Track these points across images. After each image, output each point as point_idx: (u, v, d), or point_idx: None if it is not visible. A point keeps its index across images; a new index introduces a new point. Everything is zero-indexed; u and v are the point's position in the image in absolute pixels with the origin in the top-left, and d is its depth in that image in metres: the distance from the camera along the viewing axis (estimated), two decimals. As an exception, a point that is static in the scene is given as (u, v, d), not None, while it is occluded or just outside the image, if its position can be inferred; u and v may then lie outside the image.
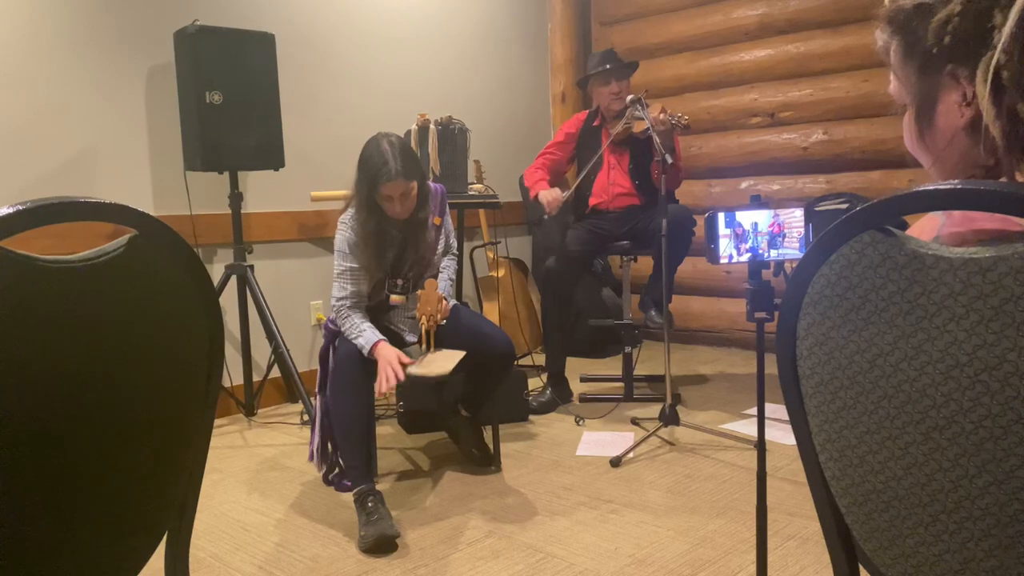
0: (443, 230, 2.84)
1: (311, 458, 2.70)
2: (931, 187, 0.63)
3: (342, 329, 2.58)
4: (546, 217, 3.76)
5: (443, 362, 2.55)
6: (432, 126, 3.62)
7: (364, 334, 2.54)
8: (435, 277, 2.79)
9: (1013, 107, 0.66)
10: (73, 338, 0.75)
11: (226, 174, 3.49)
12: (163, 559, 0.99)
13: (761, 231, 1.69)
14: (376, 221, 2.59)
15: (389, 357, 2.48)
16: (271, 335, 3.53)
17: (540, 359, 4.03)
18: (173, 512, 0.97)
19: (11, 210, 0.68)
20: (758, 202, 1.70)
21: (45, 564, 0.78)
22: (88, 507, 0.81)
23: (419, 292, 2.64)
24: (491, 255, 4.57)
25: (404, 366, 2.48)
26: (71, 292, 0.75)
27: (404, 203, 2.57)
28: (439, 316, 2.62)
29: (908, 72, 0.74)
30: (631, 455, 3.00)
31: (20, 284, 0.70)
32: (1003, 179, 0.70)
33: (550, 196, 3.63)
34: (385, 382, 2.45)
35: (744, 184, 4.69)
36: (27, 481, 0.74)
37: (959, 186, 0.62)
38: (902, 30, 0.73)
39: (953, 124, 0.73)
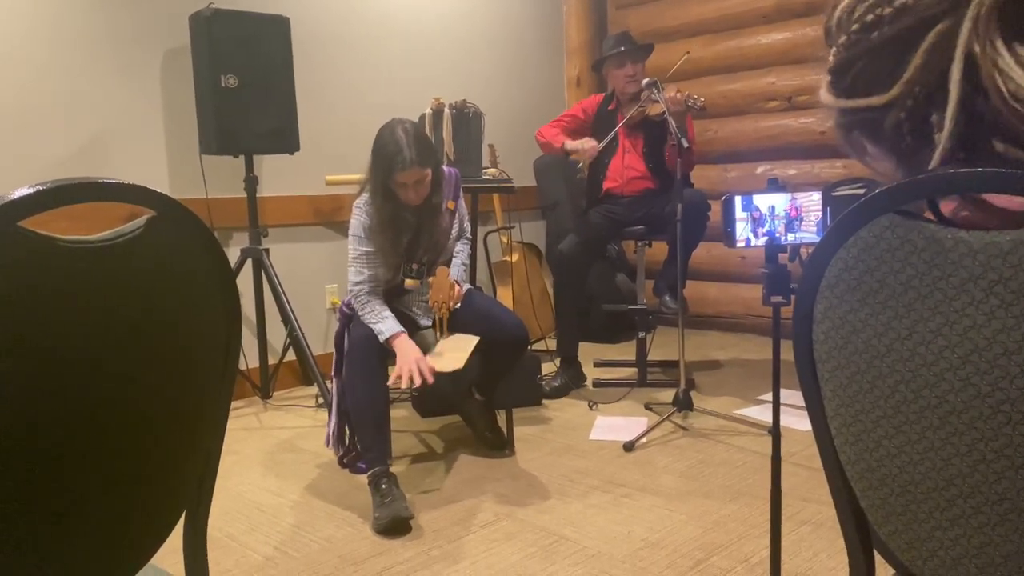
0: (457, 214, 2.84)
1: (328, 442, 2.72)
2: (951, 170, 0.63)
3: (360, 314, 2.59)
4: (580, 166, 3.64)
5: (456, 353, 2.55)
6: (446, 110, 3.61)
7: (385, 322, 2.54)
8: (449, 261, 2.80)
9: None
10: (91, 318, 0.76)
11: (241, 158, 3.51)
12: (181, 538, 1.01)
13: (778, 215, 1.68)
14: (391, 207, 2.59)
15: (414, 356, 2.48)
16: (286, 318, 3.55)
17: (553, 344, 4.03)
18: (191, 492, 0.98)
19: (31, 190, 0.69)
20: (775, 185, 1.69)
21: (63, 543, 0.79)
22: (106, 487, 0.82)
23: (431, 279, 2.65)
24: (505, 240, 4.56)
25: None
26: (89, 272, 0.75)
27: (419, 190, 2.57)
28: (452, 303, 2.62)
29: (887, 157, 0.73)
30: (644, 440, 3.00)
31: (39, 264, 0.70)
32: None
33: (586, 144, 3.53)
34: (406, 379, 2.45)
35: (760, 169, 4.65)
36: (44, 461, 0.75)
37: (981, 169, 0.61)
38: (860, 127, 0.72)
39: None
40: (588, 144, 3.54)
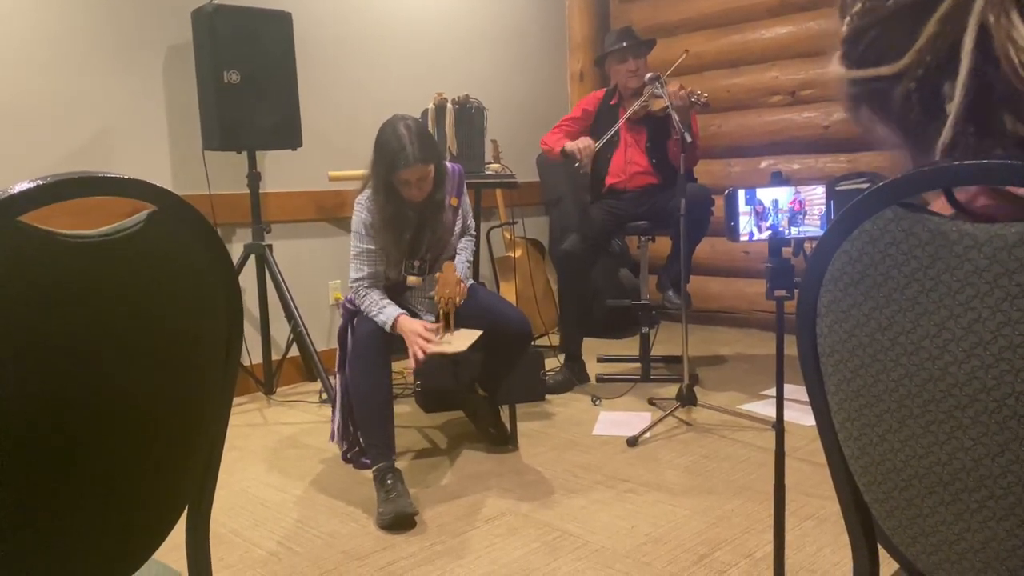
0: (460, 211, 2.83)
1: (332, 437, 2.72)
2: (956, 163, 0.62)
3: (361, 307, 2.60)
4: (577, 165, 3.63)
5: (460, 341, 2.56)
6: (449, 105, 3.61)
7: (385, 310, 2.55)
8: (453, 258, 2.79)
9: None
10: (91, 313, 0.75)
11: (244, 154, 3.50)
12: (184, 534, 1.01)
13: (782, 208, 1.67)
14: (394, 205, 2.59)
15: (415, 329, 2.49)
16: (290, 314, 3.55)
17: (557, 339, 4.03)
18: (193, 488, 0.98)
19: (30, 185, 0.69)
20: (779, 179, 1.68)
21: (65, 538, 0.79)
22: (107, 482, 0.82)
23: (437, 275, 2.64)
24: (508, 235, 4.56)
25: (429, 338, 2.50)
26: (89, 267, 0.75)
27: (422, 186, 2.57)
28: (457, 299, 2.62)
29: (894, 133, 0.72)
30: (648, 435, 3.00)
31: (39, 259, 0.70)
32: None
33: (581, 144, 3.54)
34: (419, 355, 2.47)
35: (764, 163, 4.64)
36: (44, 456, 0.75)
37: (985, 161, 0.60)
38: (868, 102, 0.71)
39: None
40: (584, 143, 3.54)
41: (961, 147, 0.64)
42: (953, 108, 0.62)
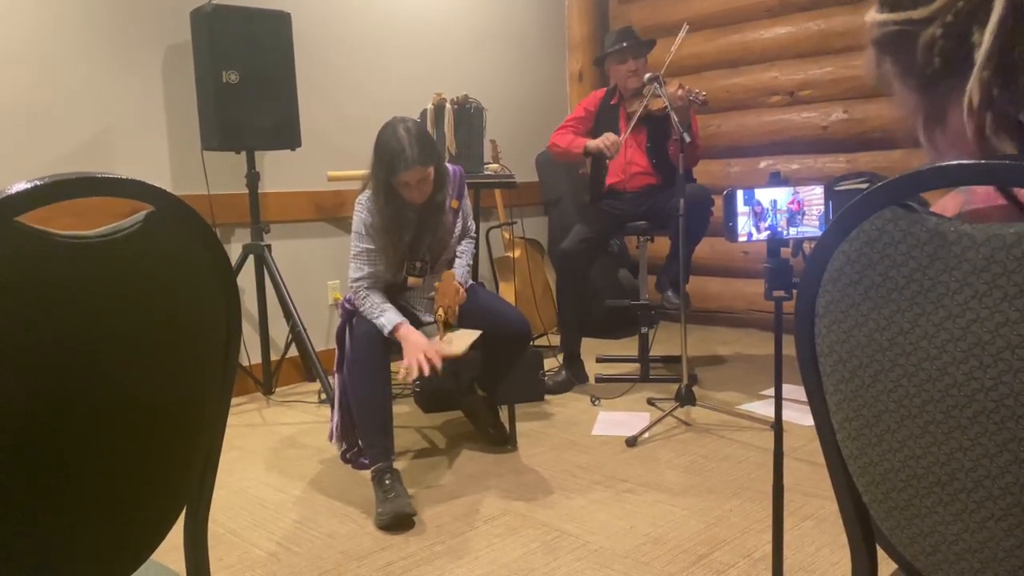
0: (461, 213, 2.83)
1: (331, 437, 2.72)
2: (955, 163, 0.62)
3: (361, 309, 2.59)
4: (608, 160, 3.62)
5: (458, 342, 2.55)
6: (448, 105, 3.61)
7: (385, 314, 2.54)
8: (453, 259, 2.79)
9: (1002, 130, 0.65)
10: (89, 314, 0.75)
11: (243, 154, 3.50)
12: (182, 534, 1.01)
13: (780, 209, 1.67)
14: (394, 207, 2.59)
15: (419, 344, 2.47)
16: (288, 314, 3.55)
17: (556, 339, 4.03)
18: (192, 488, 0.98)
19: (28, 185, 0.69)
20: (777, 179, 1.68)
21: (64, 538, 0.79)
22: (106, 482, 0.82)
23: (437, 284, 2.63)
24: (507, 235, 4.56)
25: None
26: (87, 268, 0.75)
27: (422, 188, 2.57)
28: (456, 308, 2.62)
29: (910, 90, 0.73)
30: (647, 435, 3.00)
31: (36, 259, 0.70)
32: None
33: (608, 140, 3.51)
34: (415, 371, 2.43)
35: (763, 163, 4.64)
36: (42, 456, 0.75)
37: (984, 161, 0.60)
38: (893, 52, 0.72)
39: (962, 131, 0.72)
40: (611, 139, 3.52)
41: (987, 104, 0.64)
42: (981, 54, 0.63)
